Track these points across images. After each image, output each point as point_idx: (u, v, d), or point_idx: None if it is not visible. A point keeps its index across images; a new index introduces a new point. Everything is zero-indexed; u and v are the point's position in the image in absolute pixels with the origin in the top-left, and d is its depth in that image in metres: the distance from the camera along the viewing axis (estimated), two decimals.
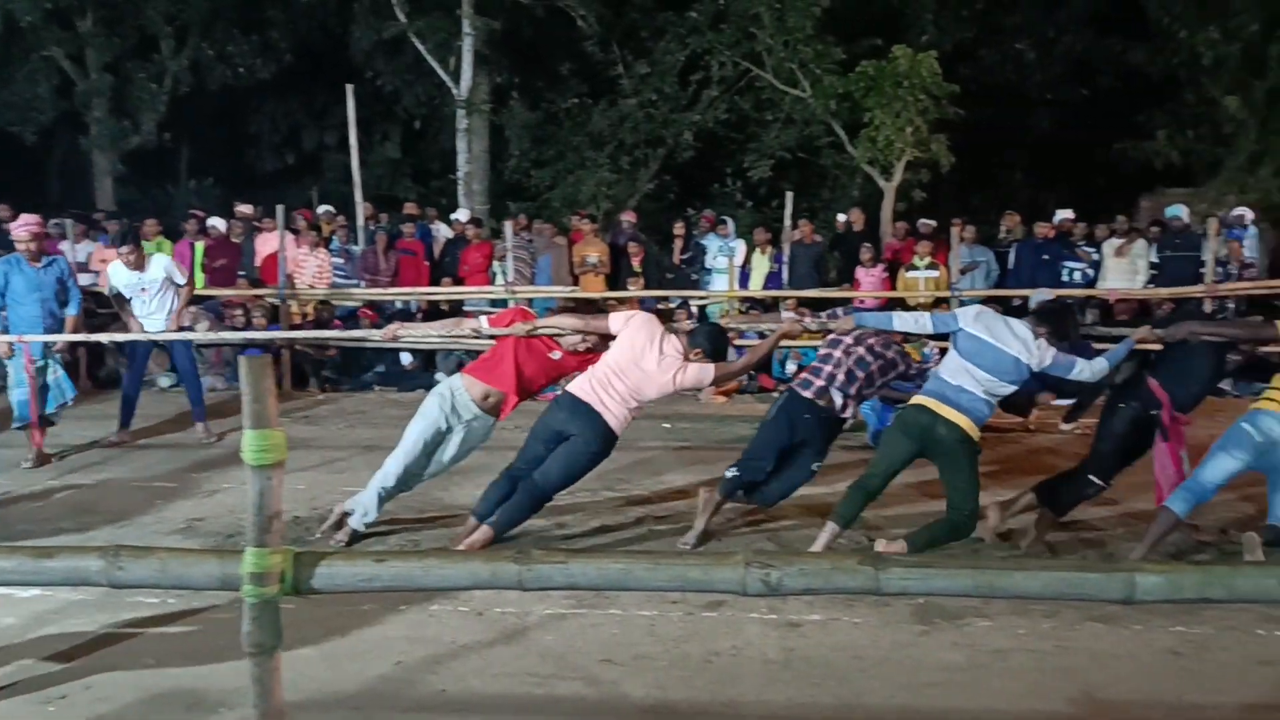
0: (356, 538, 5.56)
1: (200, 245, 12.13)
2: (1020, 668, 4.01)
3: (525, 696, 3.75)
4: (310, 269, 12.11)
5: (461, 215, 13.45)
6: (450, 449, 5.64)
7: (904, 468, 5.31)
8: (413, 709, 3.70)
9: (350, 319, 11.90)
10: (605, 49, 16.85)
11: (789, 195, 12.76)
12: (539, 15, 16.85)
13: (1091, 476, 5.53)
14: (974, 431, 5.05)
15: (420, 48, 16.61)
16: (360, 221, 13.53)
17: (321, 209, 14.11)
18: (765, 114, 16.13)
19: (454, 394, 5.60)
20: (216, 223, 12.59)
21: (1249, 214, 11.39)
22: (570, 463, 5.33)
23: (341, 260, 12.40)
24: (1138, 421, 5.44)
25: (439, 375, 11.32)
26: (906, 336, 5.98)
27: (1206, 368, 5.42)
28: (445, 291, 11.87)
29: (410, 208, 13.72)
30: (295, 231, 11.98)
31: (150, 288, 8.17)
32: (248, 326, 10.97)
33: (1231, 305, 10.61)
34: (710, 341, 5.47)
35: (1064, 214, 11.86)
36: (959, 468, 5.08)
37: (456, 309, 11.53)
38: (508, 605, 4.58)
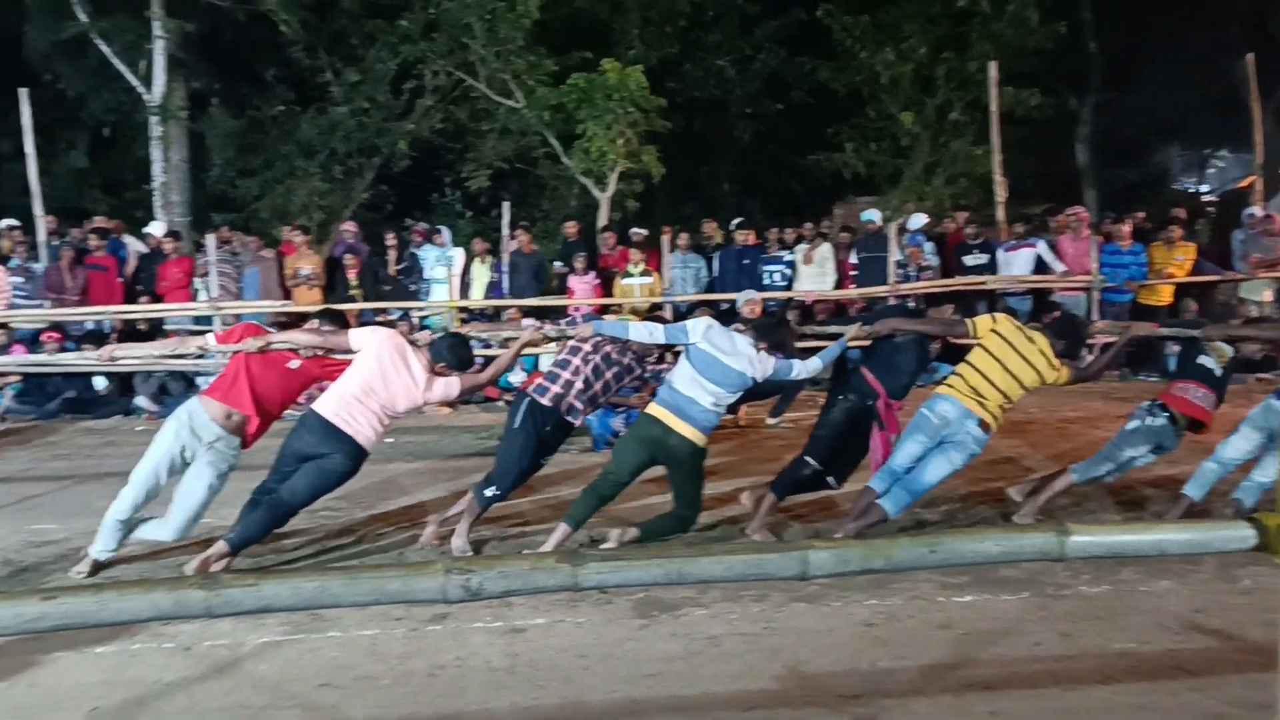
0: (99, 568, 5.28)
1: None
2: (733, 651, 4.23)
3: None
4: None
5: (156, 229, 12.61)
6: (202, 477, 5.28)
7: (637, 475, 5.50)
8: None
9: (33, 342, 10.89)
10: (312, 55, 16.28)
11: (505, 205, 12.86)
12: (239, 19, 16.05)
13: (807, 458, 5.94)
14: (702, 441, 5.37)
15: (106, 50, 15.43)
16: (42, 236, 12.41)
17: (1, 223, 12.86)
18: (481, 124, 16.11)
19: (191, 416, 5.30)
20: None
21: (924, 220, 12.49)
22: (318, 479, 5.24)
23: (22, 279, 11.37)
24: (854, 411, 5.88)
25: (138, 400, 10.60)
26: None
27: (912, 359, 5.94)
28: (143, 310, 11.12)
29: (100, 221, 12.73)
30: None
31: None
32: None
33: (913, 304, 11.61)
34: (452, 353, 5.50)
35: (739, 224, 12.40)
36: (688, 474, 5.42)
37: (156, 328, 10.84)
38: (219, 638, 4.36)
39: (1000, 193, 12.92)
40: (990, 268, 11.69)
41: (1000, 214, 12.83)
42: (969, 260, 11.85)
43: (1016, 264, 11.72)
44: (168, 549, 5.56)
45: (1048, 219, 13.30)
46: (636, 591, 4.85)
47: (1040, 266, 11.71)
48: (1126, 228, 11.68)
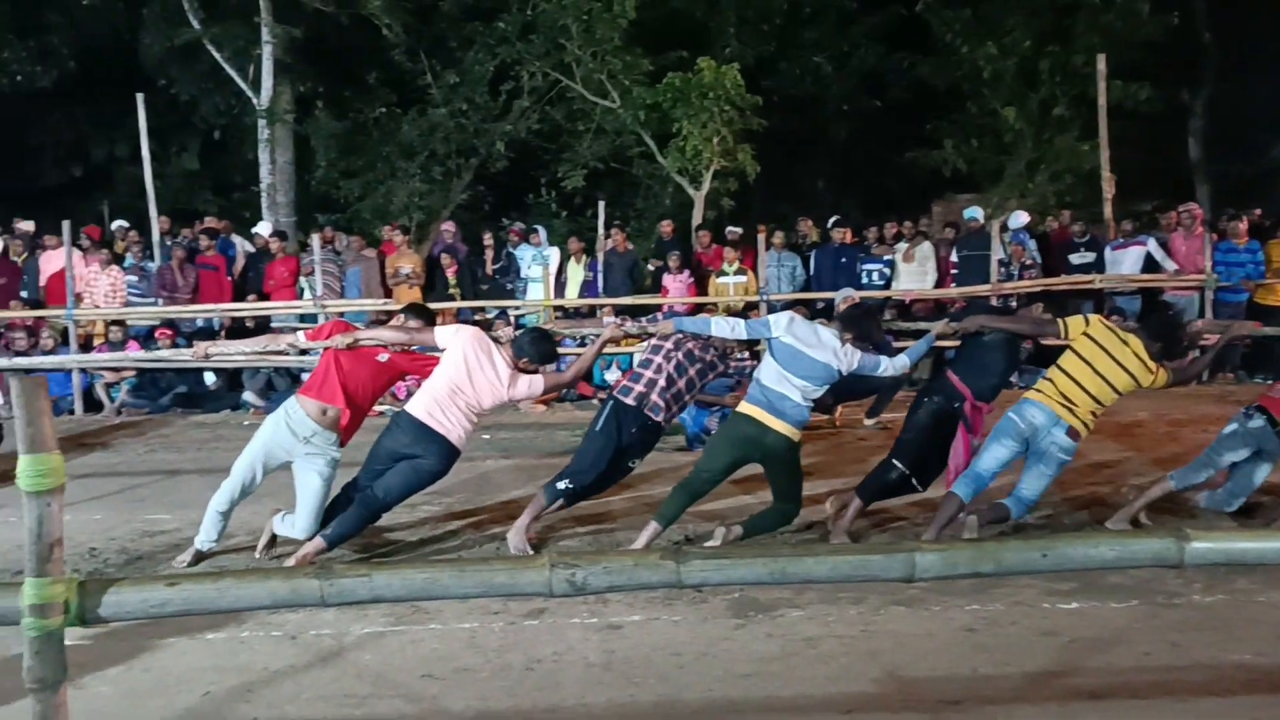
0: (200, 557, 5.48)
1: None
2: (829, 653, 4.18)
3: (342, 718, 3.66)
4: (102, 288, 11.53)
5: (263, 229, 12.98)
6: (310, 471, 5.39)
7: (729, 473, 5.50)
8: None
9: (147, 339, 11.32)
10: (413, 58, 16.56)
11: (601, 204, 12.92)
12: (343, 24, 16.41)
13: (895, 461, 5.84)
14: (797, 435, 5.35)
15: (217, 56, 15.95)
16: (156, 237, 12.89)
17: (116, 224, 13.39)
18: (577, 124, 16.18)
19: (288, 413, 5.43)
20: None
21: (1026, 217, 12.19)
22: (412, 478, 5.34)
23: (136, 278, 11.82)
24: (940, 414, 5.77)
25: (246, 395, 10.93)
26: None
27: (1001, 360, 5.80)
28: (251, 308, 11.46)
29: (211, 221, 13.16)
30: (82, 248, 11.36)
31: None
32: (34, 350, 10.36)
33: (1015, 303, 11.34)
34: (534, 347, 5.51)
35: (836, 222, 12.30)
36: (786, 469, 5.41)
37: (263, 326, 11.16)
38: (323, 627, 4.46)
39: (1108, 189, 12.54)
40: (1097, 266, 11.36)
41: (1108, 211, 12.45)
42: (1075, 259, 11.53)
43: (1125, 262, 11.37)
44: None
45: (1158, 216, 12.87)
46: (732, 591, 4.82)
47: (1150, 265, 11.34)
48: (1242, 225, 11.25)
